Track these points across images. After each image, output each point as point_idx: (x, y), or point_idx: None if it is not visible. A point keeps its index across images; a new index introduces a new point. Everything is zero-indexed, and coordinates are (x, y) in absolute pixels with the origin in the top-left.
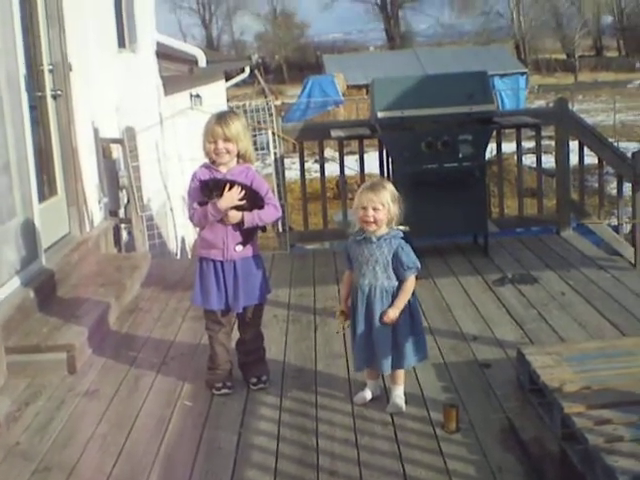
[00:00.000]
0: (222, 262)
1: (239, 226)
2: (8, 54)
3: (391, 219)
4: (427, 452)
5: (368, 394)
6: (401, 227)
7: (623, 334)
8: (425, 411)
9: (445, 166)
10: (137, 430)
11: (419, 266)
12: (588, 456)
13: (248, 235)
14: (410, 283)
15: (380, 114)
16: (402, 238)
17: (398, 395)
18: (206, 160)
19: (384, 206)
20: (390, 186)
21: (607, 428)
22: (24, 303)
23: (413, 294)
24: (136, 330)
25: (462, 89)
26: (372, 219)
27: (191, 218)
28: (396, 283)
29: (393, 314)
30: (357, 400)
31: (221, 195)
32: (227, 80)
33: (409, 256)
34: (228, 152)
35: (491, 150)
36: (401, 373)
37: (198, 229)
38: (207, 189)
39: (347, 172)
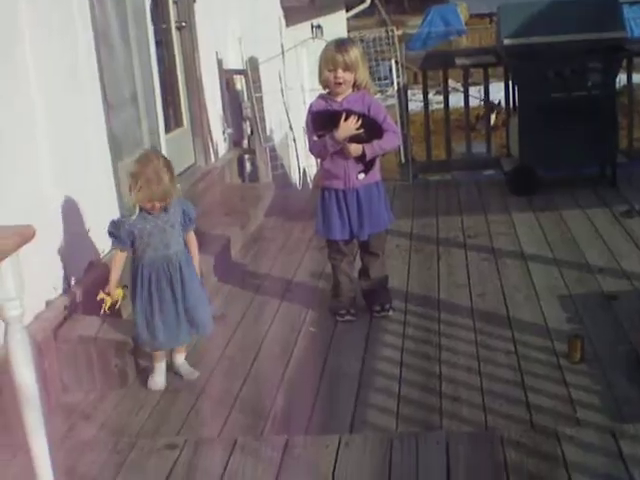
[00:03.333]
0: (344, 191)
1: (360, 157)
2: None
3: None
4: (550, 381)
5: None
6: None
7: None
8: (549, 341)
9: (573, 95)
10: (263, 354)
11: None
12: None
13: (369, 162)
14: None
15: (507, 41)
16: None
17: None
18: (322, 91)
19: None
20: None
21: None
22: None
23: None
24: (260, 258)
25: (592, 15)
26: None
27: (311, 150)
28: None
29: None
30: (151, 385)
31: (337, 126)
32: (347, 11)
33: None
34: (345, 81)
35: (619, 81)
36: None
37: (320, 161)
38: (323, 121)
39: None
